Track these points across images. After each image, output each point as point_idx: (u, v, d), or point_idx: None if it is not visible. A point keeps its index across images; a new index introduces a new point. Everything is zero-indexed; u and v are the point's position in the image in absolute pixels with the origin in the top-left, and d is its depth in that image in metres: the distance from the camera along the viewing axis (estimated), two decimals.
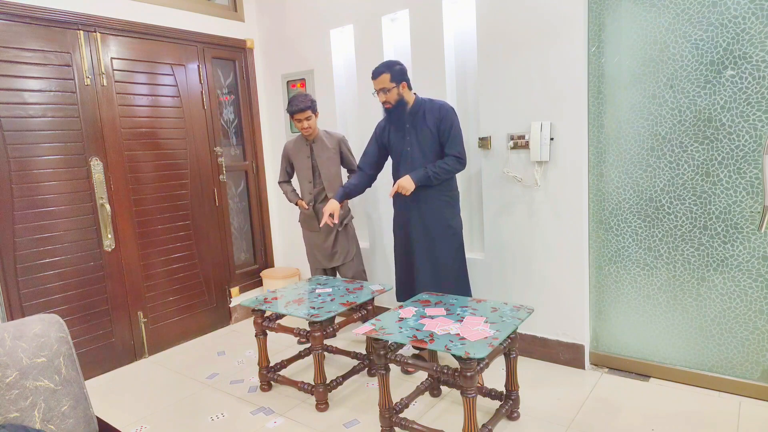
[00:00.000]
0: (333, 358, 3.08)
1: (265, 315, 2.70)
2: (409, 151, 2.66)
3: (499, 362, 2.65)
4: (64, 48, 2.87)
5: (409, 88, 2.64)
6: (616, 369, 2.71)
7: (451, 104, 2.80)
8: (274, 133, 4.06)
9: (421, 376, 2.74)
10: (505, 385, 2.29)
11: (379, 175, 2.93)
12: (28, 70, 2.74)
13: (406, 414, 2.31)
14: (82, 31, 2.94)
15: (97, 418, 1.51)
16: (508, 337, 2.14)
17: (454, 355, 1.83)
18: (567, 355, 2.78)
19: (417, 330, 2.04)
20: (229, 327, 3.82)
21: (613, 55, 2.50)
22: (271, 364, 2.80)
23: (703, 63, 2.28)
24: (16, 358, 1.34)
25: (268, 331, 2.71)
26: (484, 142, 2.88)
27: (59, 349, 1.43)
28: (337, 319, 3.07)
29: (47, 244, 2.83)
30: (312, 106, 3.08)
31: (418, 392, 2.38)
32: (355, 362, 2.93)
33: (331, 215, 2.73)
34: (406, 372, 2.81)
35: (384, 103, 2.64)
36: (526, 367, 2.77)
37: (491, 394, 2.35)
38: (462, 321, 2.11)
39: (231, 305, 3.85)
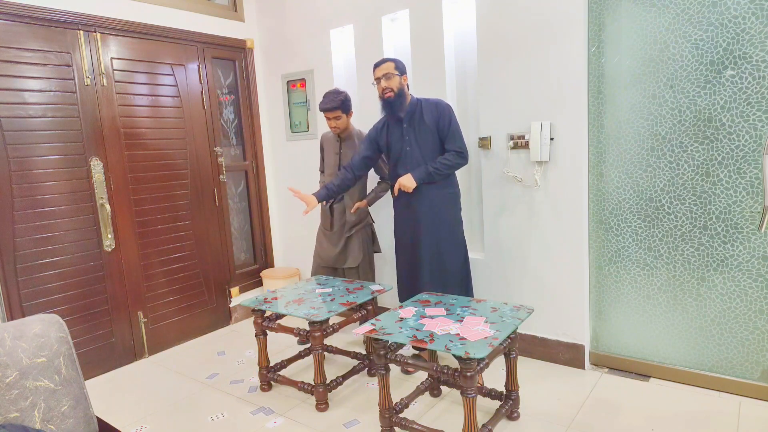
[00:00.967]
0: (333, 358, 3.08)
1: (265, 315, 2.70)
2: (409, 151, 2.65)
3: (499, 362, 2.65)
4: (64, 48, 2.87)
5: (407, 86, 2.64)
6: (616, 369, 2.71)
7: (451, 104, 2.80)
8: (274, 133, 4.06)
9: (421, 376, 2.74)
10: (505, 385, 2.29)
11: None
12: (28, 70, 2.74)
13: (406, 414, 2.31)
14: (82, 31, 2.94)
15: (97, 418, 1.51)
16: (508, 337, 2.14)
17: (454, 355, 1.83)
18: (567, 355, 2.78)
19: (417, 330, 2.04)
20: (229, 327, 3.82)
21: (613, 55, 2.51)
22: (271, 364, 2.80)
23: (703, 63, 2.28)
24: (16, 358, 1.34)
25: (268, 331, 2.71)
26: (484, 142, 2.88)
27: (59, 349, 1.43)
28: (338, 319, 3.08)
29: (47, 244, 2.83)
30: (342, 107, 3.04)
31: (418, 392, 2.38)
32: (355, 362, 2.93)
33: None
34: (406, 372, 2.81)
35: (385, 90, 2.58)
36: (526, 367, 2.77)
37: (491, 394, 2.35)
38: (462, 321, 2.11)
39: (231, 305, 3.85)
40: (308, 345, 3.24)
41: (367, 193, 3.25)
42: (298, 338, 3.26)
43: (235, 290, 3.88)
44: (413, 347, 2.51)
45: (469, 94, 3.08)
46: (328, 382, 2.56)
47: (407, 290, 2.79)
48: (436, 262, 2.66)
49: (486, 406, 2.37)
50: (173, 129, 3.42)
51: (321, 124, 3.63)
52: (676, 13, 2.31)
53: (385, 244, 3.42)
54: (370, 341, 2.24)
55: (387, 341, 2.09)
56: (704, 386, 2.46)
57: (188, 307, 3.57)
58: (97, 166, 3.02)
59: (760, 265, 2.27)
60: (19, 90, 2.70)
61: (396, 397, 2.33)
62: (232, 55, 3.83)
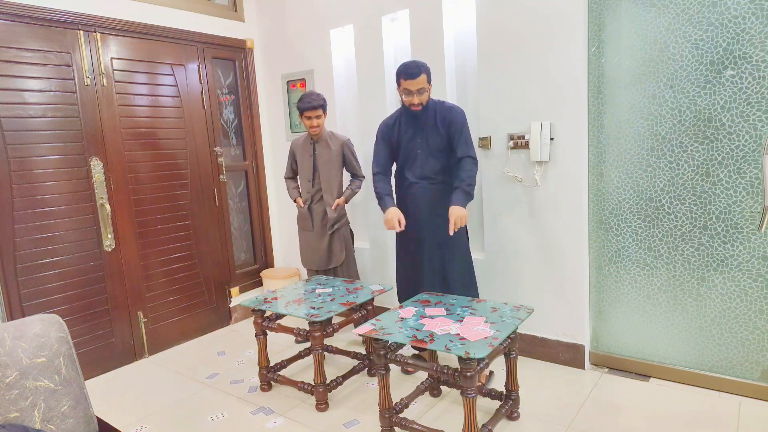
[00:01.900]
0: (333, 358, 3.08)
1: (265, 315, 2.70)
2: (419, 154, 2.63)
3: (499, 362, 2.65)
4: (64, 48, 2.87)
5: None
6: (616, 369, 2.71)
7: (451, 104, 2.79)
8: (274, 133, 4.06)
9: (421, 376, 2.74)
10: (505, 385, 2.29)
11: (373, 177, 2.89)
12: (28, 70, 2.74)
13: (406, 414, 2.31)
14: (82, 31, 2.94)
15: (97, 418, 1.51)
16: (508, 337, 2.14)
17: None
18: (567, 355, 2.78)
19: (417, 330, 2.04)
20: (229, 327, 3.82)
21: (613, 55, 2.50)
22: (271, 364, 2.80)
23: (703, 63, 2.28)
24: (16, 358, 1.34)
25: (268, 331, 2.71)
26: (484, 142, 2.88)
27: (59, 349, 1.43)
28: (337, 319, 3.08)
29: (47, 244, 2.83)
30: (324, 105, 3.11)
31: (418, 392, 2.38)
32: (355, 362, 2.93)
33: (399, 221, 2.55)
34: (406, 372, 2.81)
35: (413, 105, 2.52)
36: (526, 367, 2.77)
37: (491, 394, 2.35)
38: (462, 321, 2.11)
39: (231, 305, 3.85)
40: (306, 343, 3.24)
41: (343, 190, 3.29)
42: (295, 338, 3.27)
43: (235, 290, 3.88)
44: (413, 347, 2.51)
45: (469, 94, 3.08)
46: (328, 382, 2.56)
47: (405, 289, 2.79)
48: (438, 263, 2.65)
49: (486, 406, 2.37)
50: (173, 129, 3.42)
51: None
52: (676, 13, 2.31)
53: (378, 239, 3.43)
54: (370, 341, 2.24)
55: (387, 341, 2.09)
56: (704, 386, 2.46)
57: (188, 307, 3.57)
58: (97, 166, 3.02)
59: (760, 265, 2.27)
60: (19, 90, 2.70)
61: (396, 397, 2.33)
62: (232, 55, 3.83)
